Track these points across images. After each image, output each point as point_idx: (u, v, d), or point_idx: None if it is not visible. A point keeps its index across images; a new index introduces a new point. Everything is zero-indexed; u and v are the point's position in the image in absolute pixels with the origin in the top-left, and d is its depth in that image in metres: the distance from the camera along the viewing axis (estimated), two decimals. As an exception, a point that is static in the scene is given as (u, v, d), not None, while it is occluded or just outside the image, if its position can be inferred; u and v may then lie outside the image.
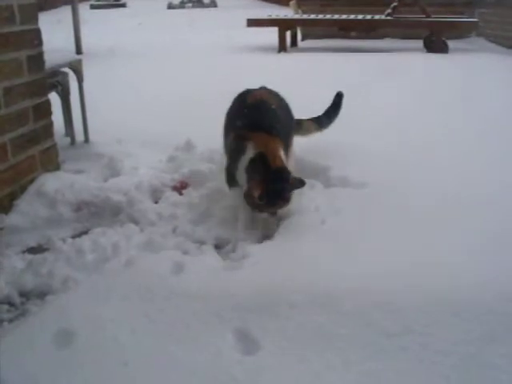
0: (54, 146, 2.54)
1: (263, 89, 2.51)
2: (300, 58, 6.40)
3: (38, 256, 1.98)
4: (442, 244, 1.94)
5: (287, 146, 2.35)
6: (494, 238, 1.97)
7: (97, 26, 9.84)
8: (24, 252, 2.08)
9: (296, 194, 2.33)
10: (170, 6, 18.65)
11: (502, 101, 4.06)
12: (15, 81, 2.26)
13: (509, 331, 1.51)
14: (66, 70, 3.01)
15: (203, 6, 18.95)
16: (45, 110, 2.44)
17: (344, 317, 1.57)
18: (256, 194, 2.03)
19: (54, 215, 2.31)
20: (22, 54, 2.25)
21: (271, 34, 7.03)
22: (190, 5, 19.34)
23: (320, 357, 1.46)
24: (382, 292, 1.65)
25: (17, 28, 2.23)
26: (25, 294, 1.83)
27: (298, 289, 1.68)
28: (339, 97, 2.92)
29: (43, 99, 2.42)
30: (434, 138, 3.14)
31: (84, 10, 13.11)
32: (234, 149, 2.24)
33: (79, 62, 2.99)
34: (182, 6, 19.07)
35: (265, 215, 2.15)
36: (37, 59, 2.35)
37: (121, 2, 20.44)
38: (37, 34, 2.35)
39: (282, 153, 2.16)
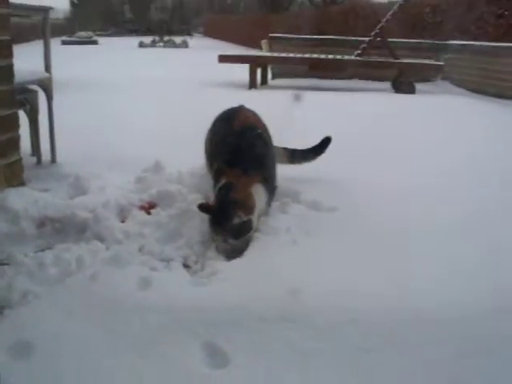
0: (20, 160, 2.47)
1: (244, 109, 2.53)
2: (270, 94, 6.47)
3: (-3, 269, 1.89)
4: (414, 264, 1.93)
5: (269, 174, 2.35)
6: (467, 259, 1.99)
7: (68, 60, 9.82)
8: (-19, 267, 1.97)
9: (266, 216, 2.32)
10: (142, 45, 18.86)
11: (470, 136, 4.17)
12: (-18, 90, 2.20)
13: (481, 347, 1.50)
14: (35, 88, 2.96)
15: (175, 45, 19.21)
16: (12, 123, 2.37)
17: (317, 332, 1.52)
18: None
19: (15, 231, 2.22)
20: (-9, 64, 2.20)
21: (241, 74, 7.12)
22: (162, 44, 19.59)
23: (292, 372, 1.40)
24: (355, 309, 1.62)
25: (-14, 37, 2.19)
26: (-20, 308, 1.72)
27: (268, 304, 1.63)
28: (326, 141, 2.88)
29: (11, 111, 2.36)
30: (403, 169, 3.18)
31: (55, 45, 13.10)
32: (214, 178, 2.31)
33: (49, 79, 2.94)
34: (153, 45, 19.31)
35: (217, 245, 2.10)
36: (6, 70, 2.29)
37: (92, 39, 20.61)
38: (7, 44, 2.29)
39: (253, 189, 2.16)
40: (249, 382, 1.37)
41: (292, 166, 2.83)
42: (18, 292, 1.77)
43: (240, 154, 2.26)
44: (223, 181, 2.19)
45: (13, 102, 2.38)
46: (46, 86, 2.93)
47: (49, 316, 1.63)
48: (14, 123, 2.40)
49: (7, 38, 2.29)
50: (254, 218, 2.11)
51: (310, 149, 2.88)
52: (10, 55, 2.32)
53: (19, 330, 1.56)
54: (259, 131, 2.39)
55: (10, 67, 2.32)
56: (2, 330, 1.56)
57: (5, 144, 2.33)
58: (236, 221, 2.02)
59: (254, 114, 2.54)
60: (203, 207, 2.10)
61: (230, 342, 1.49)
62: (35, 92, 2.94)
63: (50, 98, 2.99)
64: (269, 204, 2.33)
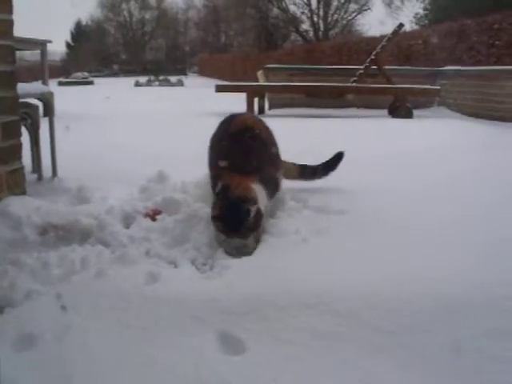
0: (22, 169, 2.41)
1: (243, 113, 2.48)
2: (269, 122, 6.48)
3: (-1, 268, 1.82)
4: (430, 256, 1.87)
5: (268, 174, 2.27)
6: (483, 250, 1.94)
7: (65, 98, 9.87)
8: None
9: (274, 219, 2.27)
10: (137, 84, 19.08)
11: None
12: (-15, 95, 2.17)
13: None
14: (37, 103, 2.93)
15: (170, 84, 19.44)
16: (14, 130, 2.32)
17: (337, 318, 1.46)
18: (212, 214, 2.02)
19: (17, 238, 2.15)
20: (-6, 69, 2.18)
21: (238, 105, 7.15)
22: (157, 83, 19.82)
23: (314, 355, 1.34)
24: (375, 295, 1.55)
25: (-11, 42, 2.16)
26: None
27: (284, 293, 1.57)
28: (338, 156, 2.76)
29: (13, 118, 2.31)
30: (409, 178, 3.15)
31: (52, 86, 13.23)
32: (212, 184, 2.28)
33: (51, 94, 2.91)
34: (148, 84, 19.53)
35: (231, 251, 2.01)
36: (9, 76, 2.25)
37: (88, 80, 20.86)
38: (10, 50, 2.27)
39: (252, 185, 2.09)
40: (267, 366, 1.30)
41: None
42: (20, 291, 1.70)
43: (235, 156, 2.20)
44: (220, 185, 2.13)
45: (15, 108, 2.34)
46: (48, 101, 2.90)
47: (53, 311, 1.56)
48: (16, 130, 2.35)
49: (10, 43, 2.27)
50: (261, 205, 2.04)
51: (321, 164, 2.76)
52: (13, 61, 2.29)
53: (23, 323, 1.49)
54: (256, 132, 2.31)
55: (13, 73, 2.29)
56: (6, 324, 1.49)
57: (7, 150, 2.28)
58: (250, 216, 1.95)
59: (253, 117, 2.48)
60: (213, 217, 2.02)
61: (246, 330, 1.43)
62: (36, 107, 2.91)
63: (51, 113, 2.95)
64: (271, 197, 2.24)
